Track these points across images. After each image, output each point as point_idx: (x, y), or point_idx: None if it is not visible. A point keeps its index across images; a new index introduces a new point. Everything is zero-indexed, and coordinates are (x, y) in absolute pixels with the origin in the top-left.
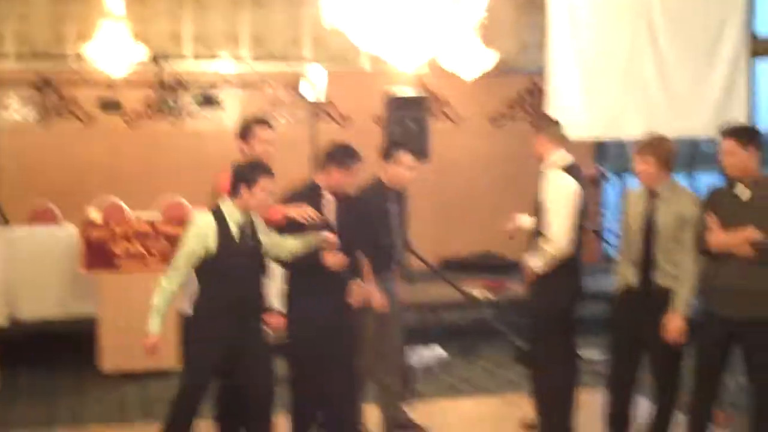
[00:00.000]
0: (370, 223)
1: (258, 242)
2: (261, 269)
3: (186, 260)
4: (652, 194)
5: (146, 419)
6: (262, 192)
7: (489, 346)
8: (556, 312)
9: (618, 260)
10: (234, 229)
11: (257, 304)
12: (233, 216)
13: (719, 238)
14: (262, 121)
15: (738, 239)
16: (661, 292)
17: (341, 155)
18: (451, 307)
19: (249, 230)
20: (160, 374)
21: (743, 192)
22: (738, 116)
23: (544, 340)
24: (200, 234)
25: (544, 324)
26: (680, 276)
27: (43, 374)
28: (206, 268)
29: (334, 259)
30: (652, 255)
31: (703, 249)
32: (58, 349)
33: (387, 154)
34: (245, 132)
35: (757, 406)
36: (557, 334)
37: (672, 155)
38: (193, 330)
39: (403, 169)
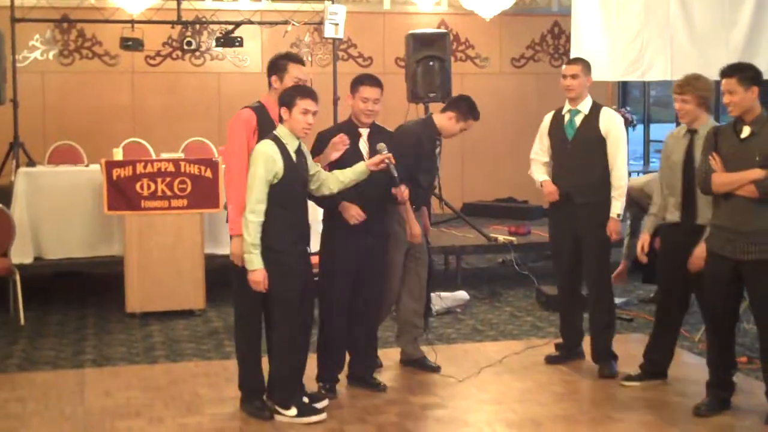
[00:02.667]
0: (419, 159)
1: (307, 169)
2: (307, 195)
3: (264, 188)
4: (691, 133)
5: (171, 358)
6: (303, 114)
7: (512, 290)
8: None
9: (656, 201)
10: (292, 154)
11: (308, 231)
12: (290, 141)
13: (721, 178)
14: (298, 58)
15: (741, 179)
16: (702, 229)
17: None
18: (474, 252)
19: (303, 157)
20: (184, 313)
21: (745, 132)
22: (763, 59)
23: None
24: (269, 160)
25: None
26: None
27: (68, 314)
28: (274, 194)
29: (351, 213)
30: (692, 192)
31: (707, 190)
32: (84, 290)
33: (451, 106)
34: (277, 68)
35: (762, 345)
36: None
37: (709, 94)
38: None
39: (455, 126)
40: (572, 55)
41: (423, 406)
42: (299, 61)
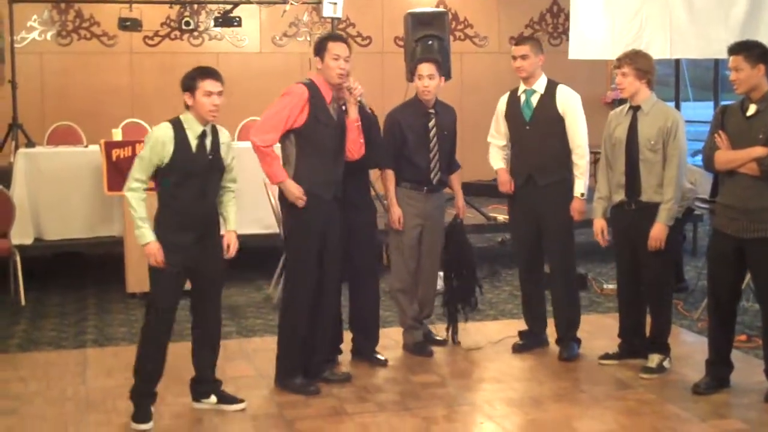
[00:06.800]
0: (406, 141)
1: (218, 158)
2: (217, 185)
3: (145, 170)
4: (634, 109)
5: (172, 338)
6: (207, 96)
7: (512, 269)
8: None
9: (600, 182)
10: (192, 140)
11: (212, 219)
12: (193, 127)
13: (725, 156)
14: (337, 37)
15: (743, 157)
16: (648, 206)
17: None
18: (474, 231)
19: (210, 144)
20: (185, 293)
21: (751, 110)
22: (764, 36)
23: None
24: (157, 144)
25: None
26: (664, 188)
27: (69, 295)
28: (163, 180)
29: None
30: (636, 169)
31: (710, 168)
32: (84, 270)
33: (410, 71)
34: (318, 48)
35: (763, 323)
36: None
37: (650, 68)
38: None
39: (421, 80)
40: (571, 35)
41: (423, 385)
42: (339, 39)
